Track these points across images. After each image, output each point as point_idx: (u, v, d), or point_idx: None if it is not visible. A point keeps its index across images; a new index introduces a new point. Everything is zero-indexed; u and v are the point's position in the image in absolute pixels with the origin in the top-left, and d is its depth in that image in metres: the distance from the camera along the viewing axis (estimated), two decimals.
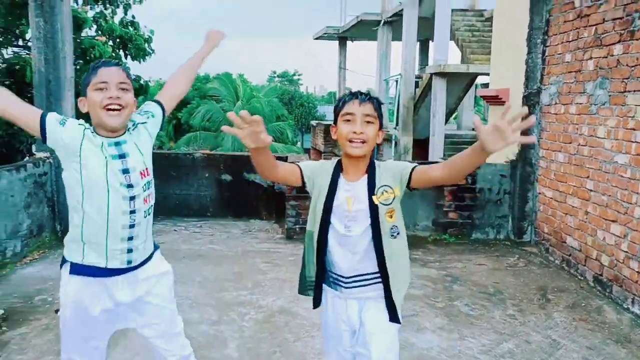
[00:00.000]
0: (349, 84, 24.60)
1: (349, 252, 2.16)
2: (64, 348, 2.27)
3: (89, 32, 11.29)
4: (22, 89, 10.04)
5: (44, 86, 5.84)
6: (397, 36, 18.57)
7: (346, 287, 2.18)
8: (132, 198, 2.13)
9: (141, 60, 11.80)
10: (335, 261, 2.18)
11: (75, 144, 2.06)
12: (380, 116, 2.13)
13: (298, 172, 2.20)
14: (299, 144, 36.37)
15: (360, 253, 2.15)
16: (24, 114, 2.11)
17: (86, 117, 2.17)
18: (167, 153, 8.07)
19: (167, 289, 2.34)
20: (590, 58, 5.17)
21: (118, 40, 11.45)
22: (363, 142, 2.08)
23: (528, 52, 6.22)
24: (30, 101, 8.61)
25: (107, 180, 2.07)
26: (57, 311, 2.25)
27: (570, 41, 5.56)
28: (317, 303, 2.28)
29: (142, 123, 2.28)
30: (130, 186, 2.12)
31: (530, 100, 6.24)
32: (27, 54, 10.61)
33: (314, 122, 25.38)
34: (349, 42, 24.26)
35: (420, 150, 16.71)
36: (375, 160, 2.20)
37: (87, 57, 10.60)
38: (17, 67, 9.81)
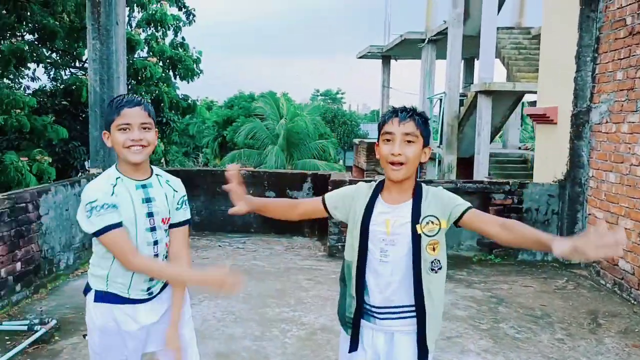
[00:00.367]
0: (393, 102, 24.57)
1: (383, 280, 2.01)
2: None
3: (141, 53, 11.72)
4: (79, 108, 10.51)
5: (99, 105, 6.10)
6: (441, 54, 18.50)
7: (379, 319, 2.05)
8: (156, 242, 2.19)
9: (190, 80, 12.16)
10: (369, 290, 2.04)
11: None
12: (424, 133, 1.99)
13: (321, 207, 2.16)
14: (341, 161, 36.44)
15: (395, 283, 2.00)
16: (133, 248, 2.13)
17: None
18: (213, 170, 8.25)
19: (187, 316, 2.36)
20: None
21: (168, 61, 11.85)
22: (402, 163, 1.95)
23: (577, 69, 6.10)
24: (85, 120, 8.98)
25: (136, 224, 2.12)
26: (85, 336, 2.31)
27: (621, 59, 5.42)
28: (354, 346, 2.09)
29: (175, 191, 2.27)
30: (153, 229, 2.17)
31: (580, 118, 6.10)
32: (83, 74, 11.10)
33: (356, 140, 25.43)
34: (392, 61, 24.30)
35: (465, 169, 16.49)
36: (422, 184, 2.08)
37: (139, 77, 11.01)
38: (74, 87, 10.27)
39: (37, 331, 3.93)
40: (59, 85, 11.67)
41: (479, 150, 14.82)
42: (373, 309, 2.05)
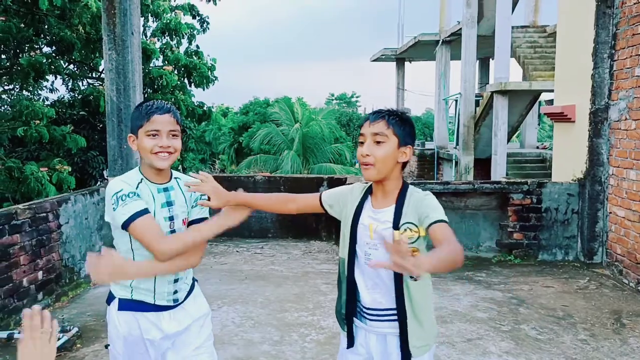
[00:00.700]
0: (407, 104, 24.51)
1: (370, 282, 2.03)
2: None
3: (157, 62, 11.85)
4: (97, 118, 10.65)
5: (116, 114, 6.17)
6: (456, 55, 18.43)
7: (369, 320, 2.05)
8: None
9: (205, 87, 12.25)
10: (360, 291, 2.06)
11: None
12: (399, 133, 1.96)
13: (318, 203, 2.18)
14: (357, 165, 36.40)
15: (381, 285, 2.01)
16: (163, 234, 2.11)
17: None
18: (229, 176, 8.30)
19: (209, 330, 2.34)
20: None
21: (183, 69, 11.95)
22: (371, 164, 1.95)
23: (594, 67, 6.02)
24: (103, 129, 9.10)
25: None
26: (107, 346, 2.28)
27: None
28: (350, 342, 2.11)
29: (195, 193, 2.26)
30: (173, 232, 2.17)
31: (598, 116, 6.02)
32: (100, 85, 11.26)
33: None
34: (406, 63, 24.25)
35: (482, 170, 16.37)
36: (410, 187, 2.04)
37: (155, 86, 11.12)
38: (92, 97, 10.41)
39: (59, 339, 3.98)
40: (76, 95, 11.84)
41: (496, 151, 14.71)
42: (364, 310, 2.06)
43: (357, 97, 51.34)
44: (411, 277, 1.88)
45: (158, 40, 11.90)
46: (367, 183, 2.12)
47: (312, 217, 7.43)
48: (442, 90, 19.57)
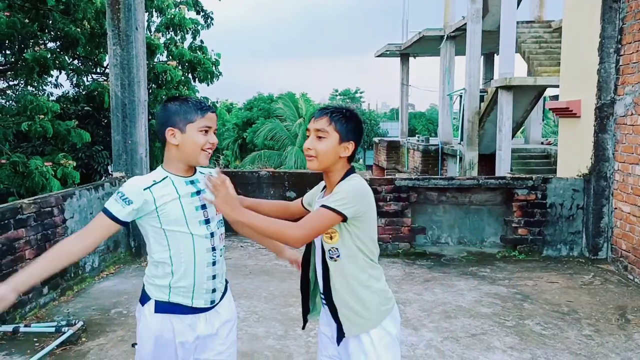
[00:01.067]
0: (412, 100, 24.46)
1: (318, 271, 2.18)
2: None
3: (161, 57, 11.83)
4: (101, 113, 10.67)
5: (120, 109, 6.18)
6: (460, 50, 18.36)
7: (324, 303, 2.20)
8: (212, 235, 2.19)
9: (209, 82, 12.23)
10: (317, 278, 2.23)
11: (149, 207, 2.09)
12: (341, 129, 2.07)
13: (300, 203, 2.43)
14: (361, 160, 36.37)
15: (321, 274, 2.15)
16: (93, 237, 2.09)
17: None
18: (233, 171, 8.30)
19: (234, 337, 2.35)
20: None
21: (187, 64, 11.93)
22: (313, 157, 2.10)
23: (600, 62, 5.99)
24: (108, 125, 9.11)
25: (186, 220, 2.12)
26: (134, 345, 2.27)
27: None
28: (304, 323, 2.33)
29: None
30: (207, 222, 2.17)
31: (604, 111, 5.99)
32: (104, 80, 11.25)
33: (376, 139, 25.36)
34: (411, 59, 24.17)
35: (486, 166, 16.33)
36: (350, 177, 2.13)
37: (160, 81, 11.11)
38: (96, 93, 10.41)
39: (64, 333, 4.00)
40: (81, 91, 11.84)
41: (500, 146, 14.66)
42: (322, 295, 2.20)
43: (361, 92, 51.26)
44: (331, 257, 2.08)
45: (162, 35, 11.88)
46: None
47: None
48: (446, 86, 19.50)
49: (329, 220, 1.98)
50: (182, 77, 11.51)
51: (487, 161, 16.36)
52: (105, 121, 10.72)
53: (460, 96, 18.17)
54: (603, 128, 6.02)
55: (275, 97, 31.37)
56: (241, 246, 6.94)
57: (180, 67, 11.56)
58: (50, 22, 9.81)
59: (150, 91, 10.69)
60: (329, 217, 1.98)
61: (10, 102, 11.89)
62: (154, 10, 11.78)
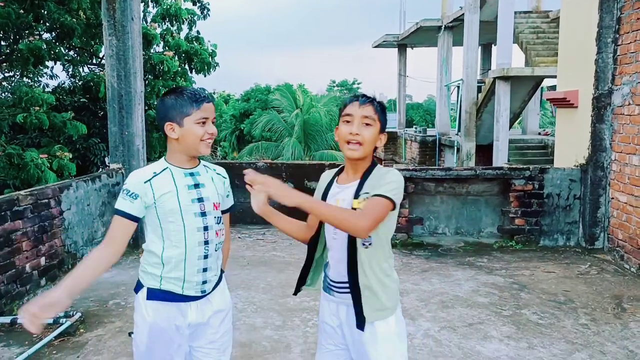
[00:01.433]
0: (409, 91, 24.39)
1: (336, 255, 2.14)
2: None
3: (157, 48, 11.75)
4: (97, 105, 10.61)
5: (116, 100, 6.15)
6: (458, 41, 18.31)
7: (337, 292, 2.16)
8: (206, 228, 2.19)
9: (206, 73, 12.17)
10: (329, 267, 2.20)
11: (149, 200, 2.13)
12: (381, 119, 2.09)
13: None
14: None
15: (344, 259, 2.10)
16: (117, 241, 2.13)
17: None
18: (231, 163, 8.29)
19: (228, 326, 2.37)
20: None
21: (184, 55, 11.86)
22: (359, 143, 2.05)
23: (598, 52, 5.98)
24: (104, 116, 9.08)
25: (181, 211, 2.14)
26: (130, 334, 2.31)
27: None
28: (297, 292, 2.30)
29: (224, 178, 2.35)
30: (203, 214, 2.18)
31: (601, 101, 5.99)
32: (100, 71, 11.19)
33: None
34: (408, 49, 24.10)
35: (484, 156, 16.35)
36: (378, 166, 2.15)
37: (156, 72, 11.05)
38: (92, 84, 10.34)
39: (62, 324, 4.00)
40: (77, 82, 11.77)
41: (498, 137, 14.67)
42: (332, 283, 2.17)
43: (358, 83, 51.14)
44: (363, 243, 2.04)
45: (158, 26, 11.80)
46: (333, 169, 2.25)
47: None
48: (444, 77, 19.47)
49: (387, 208, 1.99)
50: (179, 68, 11.45)
51: (484, 152, 16.37)
52: (102, 112, 10.67)
53: (458, 87, 18.15)
54: (600, 118, 6.02)
55: (273, 89, 31.25)
56: (239, 237, 6.95)
57: (176, 58, 11.50)
58: (45, 12, 9.73)
59: (147, 82, 10.62)
60: (387, 205, 1.98)
61: (6, 93, 11.81)
62: (149, 0, 11.71)
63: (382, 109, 2.11)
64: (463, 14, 16.44)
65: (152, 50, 11.19)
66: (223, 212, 2.31)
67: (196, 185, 2.18)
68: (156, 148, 10.82)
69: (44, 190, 4.96)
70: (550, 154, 13.51)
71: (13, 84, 11.77)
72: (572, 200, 6.32)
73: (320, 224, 2.21)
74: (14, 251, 4.46)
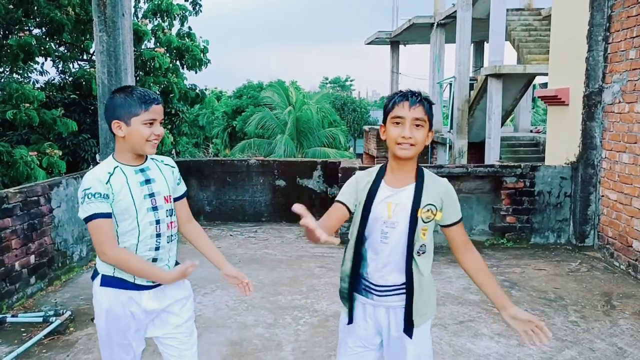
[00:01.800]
0: (402, 87, 24.39)
1: (382, 261, 2.12)
2: (103, 356, 2.37)
3: (149, 44, 11.69)
4: (88, 101, 10.54)
5: (107, 97, 6.09)
6: (450, 38, 18.33)
7: (377, 296, 2.15)
8: (157, 222, 2.24)
9: (198, 70, 12.12)
10: (369, 270, 2.15)
11: (109, 199, 2.15)
12: (430, 118, 2.07)
13: (344, 211, 2.16)
14: (351, 149, 36.34)
15: (391, 263, 2.11)
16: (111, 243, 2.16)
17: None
18: (222, 160, 8.25)
19: (190, 312, 2.42)
20: None
21: (175, 51, 11.81)
22: (412, 145, 2.04)
23: (588, 49, 6.00)
24: (95, 112, 9.01)
25: (135, 207, 2.19)
26: (92, 319, 2.36)
27: (634, 37, 5.32)
28: (351, 318, 2.21)
29: (172, 167, 2.39)
30: (155, 209, 2.24)
31: (592, 99, 6.01)
32: (91, 67, 11.11)
33: (366, 127, 25.33)
34: (401, 46, 24.11)
35: (476, 154, 16.40)
36: (422, 168, 2.15)
37: (147, 68, 10.99)
38: (83, 80, 10.28)
39: (52, 323, 3.97)
40: (67, 78, 11.68)
41: (490, 135, 14.71)
42: (372, 287, 2.16)
43: (351, 80, 51.16)
44: (418, 252, 2.09)
45: (149, 22, 11.74)
46: (376, 166, 2.20)
47: (306, 200, 7.43)
48: (436, 74, 19.49)
49: None
50: (170, 65, 11.39)
51: (476, 149, 16.42)
52: (92, 108, 10.59)
53: (450, 84, 18.18)
54: (591, 116, 6.05)
55: (265, 85, 31.18)
56: (231, 235, 6.93)
57: (168, 54, 11.43)
58: (35, 7, 9.65)
59: (138, 78, 10.57)
60: None
61: None
62: None
63: (430, 108, 2.08)
64: (455, 11, 16.46)
65: (143, 47, 11.13)
66: (177, 199, 2.38)
67: (147, 181, 2.24)
68: None
69: (34, 188, 4.92)
70: (542, 152, 13.57)
71: (2, 80, 11.67)
72: (562, 198, 6.35)
73: (361, 230, 2.13)
74: (3, 249, 4.42)
